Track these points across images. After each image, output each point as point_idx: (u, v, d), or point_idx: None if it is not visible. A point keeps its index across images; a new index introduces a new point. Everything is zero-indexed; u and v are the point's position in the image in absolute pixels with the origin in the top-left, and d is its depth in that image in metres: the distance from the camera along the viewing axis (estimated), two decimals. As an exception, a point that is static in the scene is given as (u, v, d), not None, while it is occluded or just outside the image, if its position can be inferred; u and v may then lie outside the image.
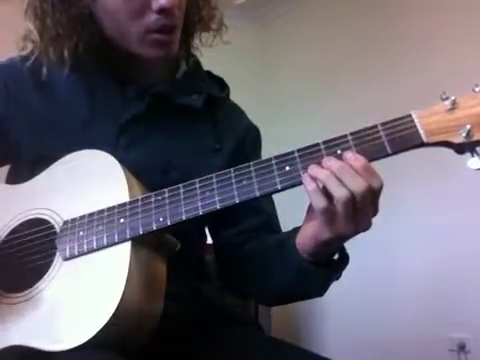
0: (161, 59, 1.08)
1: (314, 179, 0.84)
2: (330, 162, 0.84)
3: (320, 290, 1.01)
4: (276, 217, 1.20)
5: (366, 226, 0.86)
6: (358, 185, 0.82)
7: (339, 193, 0.82)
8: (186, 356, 1.04)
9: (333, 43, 3.48)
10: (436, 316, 2.76)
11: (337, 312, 3.28)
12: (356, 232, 0.87)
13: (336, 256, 0.97)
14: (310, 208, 0.90)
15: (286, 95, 3.80)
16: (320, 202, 0.84)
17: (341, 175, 0.82)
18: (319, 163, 0.85)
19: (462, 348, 2.69)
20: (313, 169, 0.84)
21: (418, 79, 2.79)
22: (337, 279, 0.99)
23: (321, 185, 0.84)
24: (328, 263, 0.95)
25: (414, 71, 2.88)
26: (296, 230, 0.97)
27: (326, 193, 0.84)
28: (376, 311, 3.02)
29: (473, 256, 2.65)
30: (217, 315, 1.16)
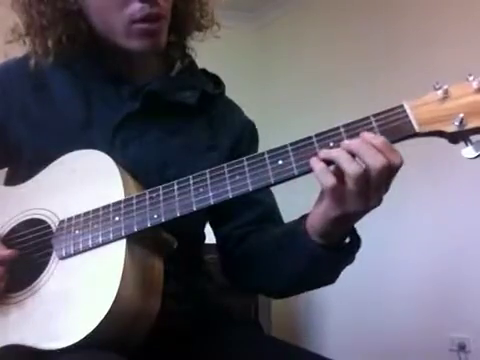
0: (150, 52, 1.08)
1: (322, 159, 0.83)
2: (347, 141, 0.83)
3: (332, 276, 1.00)
4: (276, 208, 1.19)
5: (376, 204, 0.85)
6: (375, 160, 0.80)
7: (351, 168, 0.81)
8: (186, 356, 1.04)
9: (332, 44, 3.49)
10: (436, 316, 2.76)
11: (337, 312, 3.28)
12: (366, 210, 0.86)
13: (347, 239, 0.96)
14: (320, 194, 0.90)
15: (285, 96, 3.81)
16: (327, 180, 0.83)
17: (358, 150, 0.81)
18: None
19: (462, 348, 2.69)
20: (324, 150, 0.84)
21: (419, 81, 2.77)
22: (350, 263, 0.98)
23: (330, 164, 0.83)
24: (339, 247, 0.94)
25: (415, 73, 2.87)
26: (304, 217, 0.96)
27: (336, 170, 0.83)
28: (376, 311, 3.02)
29: (473, 256, 2.65)
30: (217, 315, 1.15)
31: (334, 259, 0.95)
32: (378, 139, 0.81)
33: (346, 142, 0.83)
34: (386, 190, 0.85)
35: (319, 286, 1.04)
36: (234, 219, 1.13)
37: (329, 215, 0.88)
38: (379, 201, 0.85)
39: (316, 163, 0.83)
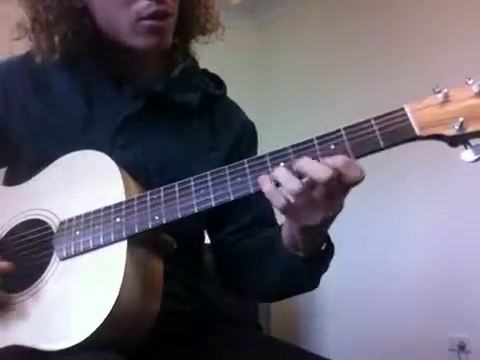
0: (154, 50, 1.08)
1: (270, 179, 0.84)
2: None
3: (311, 282, 1.01)
4: (270, 211, 1.18)
5: (337, 211, 0.86)
6: (320, 172, 0.81)
7: (290, 185, 0.82)
8: (185, 356, 1.04)
9: (333, 43, 3.49)
10: (436, 316, 2.76)
11: (337, 312, 3.28)
12: (328, 219, 0.87)
13: (323, 246, 0.97)
14: None
15: (286, 95, 3.81)
16: (278, 201, 0.84)
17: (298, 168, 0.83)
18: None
19: (462, 348, 2.68)
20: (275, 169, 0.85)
21: (418, 79, 2.78)
22: (325, 271, 0.99)
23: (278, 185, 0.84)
24: (316, 255, 0.95)
25: (414, 71, 2.87)
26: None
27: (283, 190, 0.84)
28: (376, 311, 3.02)
29: (473, 256, 2.64)
30: (216, 315, 1.16)
31: (309, 268, 0.96)
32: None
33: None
34: (344, 195, 0.85)
35: (301, 292, 1.06)
36: (229, 224, 1.14)
37: (292, 229, 0.91)
38: (340, 207, 0.86)
39: (265, 184, 0.84)
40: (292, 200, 0.83)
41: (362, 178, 0.82)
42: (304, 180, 0.82)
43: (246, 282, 1.11)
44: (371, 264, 2.99)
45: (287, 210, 0.85)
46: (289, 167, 0.83)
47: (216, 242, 1.17)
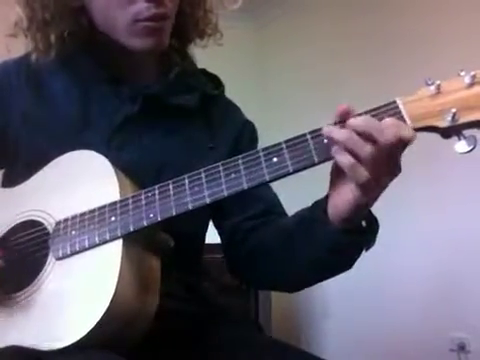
0: (151, 51, 1.07)
1: (345, 150, 0.81)
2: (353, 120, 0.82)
3: (351, 261, 0.97)
4: (279, 202, 1.17)
5: (397, 173, 0.84)
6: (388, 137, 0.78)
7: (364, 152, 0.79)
8: (185, 356, 1.04)
9: (331, 43, 3.48)
10: (436, 316, 2.75)
11: (337, 312, 3.28)
12: (388, 182, 0.84)
13: (363, 223, 0.93)
14: (337, 176, 0.88)
15: (285, 95, 3.80)
16: (362, 175, 0.80)
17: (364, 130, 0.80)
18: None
19: (462, 348, 2.68)
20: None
21: (418, 79, 2.77)
22: (372, 245, 0.96)
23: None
24: (360, 231, 0.92)
25: (414, 71, 2.86)
26: (318, 204, 0.94)
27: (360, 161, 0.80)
28: (376, 311, 3.01)
29: (473, 256, 2.64)
30: (216, 314, 1.15)
31: (357, 243, 0.93)
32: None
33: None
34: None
35: (337, 273, 1.01)
36: (239, 214, 1.12)
37: (357, 201, 0.85)
38: (400, 169, 0.84)
39: (344, 158, 0.81)
40: (372, 171, 0.80)
41: (414, 137, 0.80)
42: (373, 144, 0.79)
43: (275, 269, 1.06)
44: (372, 264, 2.97)
45: (369, 183, 0.81)
46: (351, 131, 0.80)
47: (229, 232, 1.14)
